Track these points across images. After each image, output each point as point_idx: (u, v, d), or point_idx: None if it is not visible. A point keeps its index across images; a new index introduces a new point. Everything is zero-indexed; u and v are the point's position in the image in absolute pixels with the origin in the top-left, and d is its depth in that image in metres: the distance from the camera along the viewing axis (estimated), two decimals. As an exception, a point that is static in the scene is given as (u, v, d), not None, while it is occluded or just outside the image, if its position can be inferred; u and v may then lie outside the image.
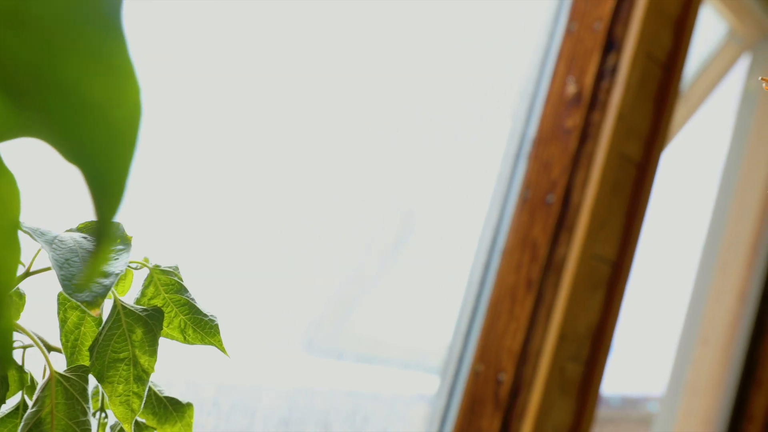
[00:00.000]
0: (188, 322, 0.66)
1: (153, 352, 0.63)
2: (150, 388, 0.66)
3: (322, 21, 1.43)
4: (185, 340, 0.67)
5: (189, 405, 0.67)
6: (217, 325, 0.66)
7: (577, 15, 1.74)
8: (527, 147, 1.74)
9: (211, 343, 0.66)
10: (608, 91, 1.70)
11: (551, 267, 1.68)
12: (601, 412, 3.18)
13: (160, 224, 1.27)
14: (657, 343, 2.81)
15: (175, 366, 1.29)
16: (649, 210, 1.85)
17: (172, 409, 0.66)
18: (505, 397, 1.66)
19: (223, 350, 0.65)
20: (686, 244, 2.76)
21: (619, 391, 2.86)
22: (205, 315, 0.66)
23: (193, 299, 0.67)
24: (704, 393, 2.61)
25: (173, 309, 0.66)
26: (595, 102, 1.71)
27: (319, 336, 1.61)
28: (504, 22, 1.77)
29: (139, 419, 0.66)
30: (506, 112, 1.77)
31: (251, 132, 1.37)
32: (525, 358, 1.67)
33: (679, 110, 2.66)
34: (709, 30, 2.69)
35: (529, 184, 1.72)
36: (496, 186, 1.75)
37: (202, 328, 0.66)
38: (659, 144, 1.83)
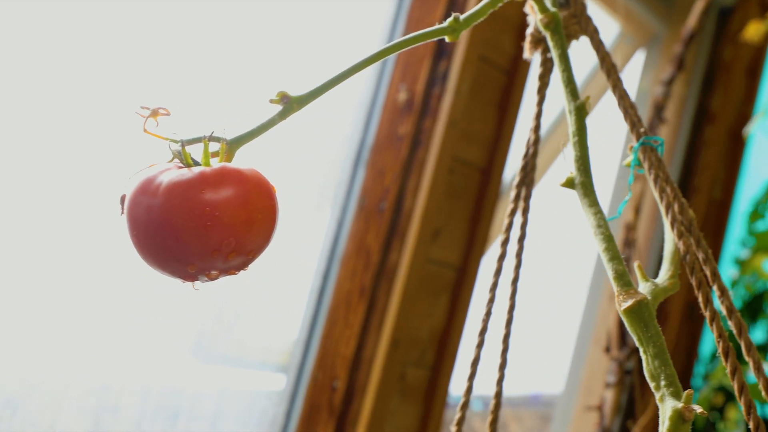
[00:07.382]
0: None
1: None
2: None
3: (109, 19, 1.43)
4: None
5: None
6: None
7: (412, 22, 1.75)
8: (366, 154, 1.74)
9: None
10: (439, 98, 1.70)
11: (383, 273, 1.69)
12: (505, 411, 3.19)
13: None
14: (556, 343, 2.82)
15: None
16: (495, 214, 1.86)
17: None
18: (338, 404, 1.67)
19: None
20: (582, 246, 2.77)
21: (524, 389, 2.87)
22: None
23: None
24: (597, 392, 2.61)
25: None
26: (426, 108, 1.72)
27: (190, 338, 1.62)
28: (343, 29, 1.78)
29: None
30: (346, 119, 1.77)
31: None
32: (358, 364, 1.68)
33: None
34: (601, 31, 2.70)
35: (365, 192, 1.72)
36: (335, 194, 1.76)
37: None
38: (503, 149, 1.83)
